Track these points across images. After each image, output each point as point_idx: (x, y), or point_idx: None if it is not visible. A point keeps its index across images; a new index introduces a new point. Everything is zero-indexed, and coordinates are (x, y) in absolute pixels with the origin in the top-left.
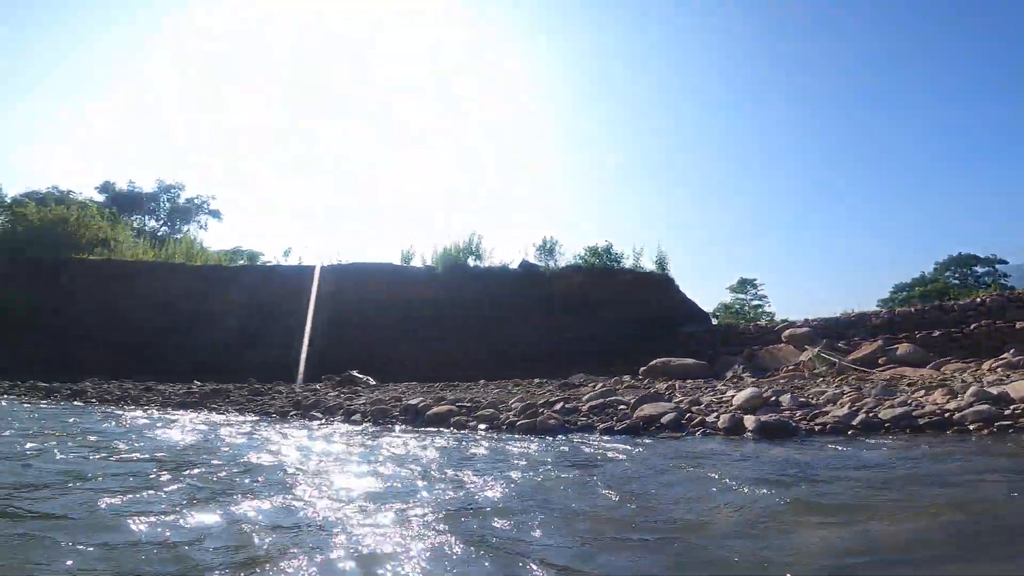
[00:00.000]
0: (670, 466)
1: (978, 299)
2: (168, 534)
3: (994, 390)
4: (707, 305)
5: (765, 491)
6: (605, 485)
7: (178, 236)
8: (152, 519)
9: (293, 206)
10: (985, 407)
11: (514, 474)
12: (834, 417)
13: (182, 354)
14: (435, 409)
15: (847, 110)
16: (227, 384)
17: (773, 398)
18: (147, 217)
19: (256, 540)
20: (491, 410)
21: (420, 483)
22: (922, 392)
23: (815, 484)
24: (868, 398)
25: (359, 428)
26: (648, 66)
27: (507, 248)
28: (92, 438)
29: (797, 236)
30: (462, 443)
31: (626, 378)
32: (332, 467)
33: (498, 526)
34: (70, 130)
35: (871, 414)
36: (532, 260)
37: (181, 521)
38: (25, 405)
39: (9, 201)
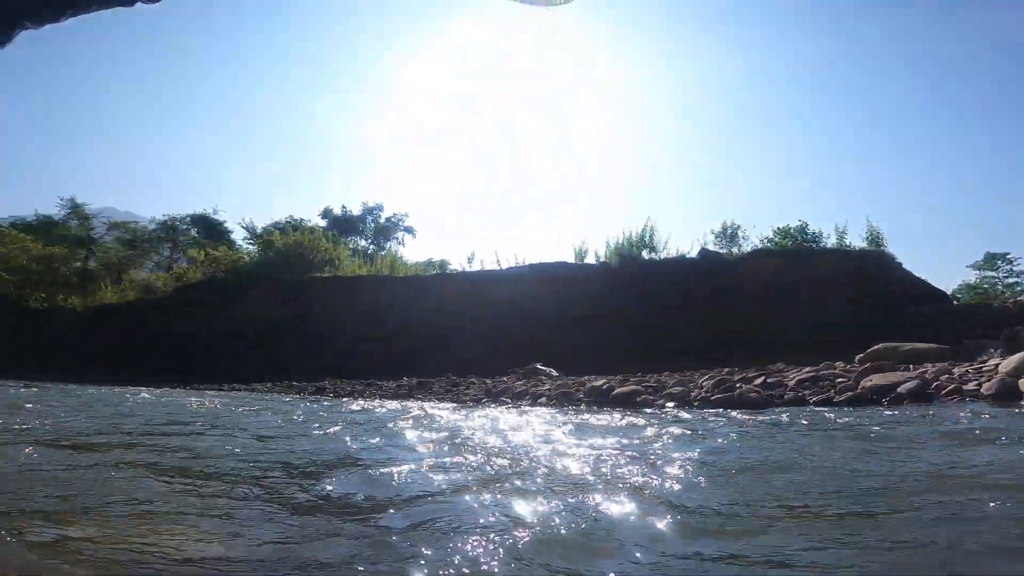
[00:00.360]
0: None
1: None
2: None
3: None
4: (942, 285)
5: None
6: (885, 452)
7: (383, 252)
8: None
9: (475, 215)
10: None
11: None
12: None
13: (389, 354)
14: (619, 389)
15: None
16: (429, 379)
17: None
18: (358, 237)
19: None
20: (680, 388)
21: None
22: None
23: None
24: None
25: (545, 410)
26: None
27: (683, 238)
28: (360, 421)
29: None
30: (656, 419)
31: (839, 364)
32: (523, 434)
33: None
34: (290, 166)
35: None
36: (712, 248)
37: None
38: (285, 399)
39: (260, 232)
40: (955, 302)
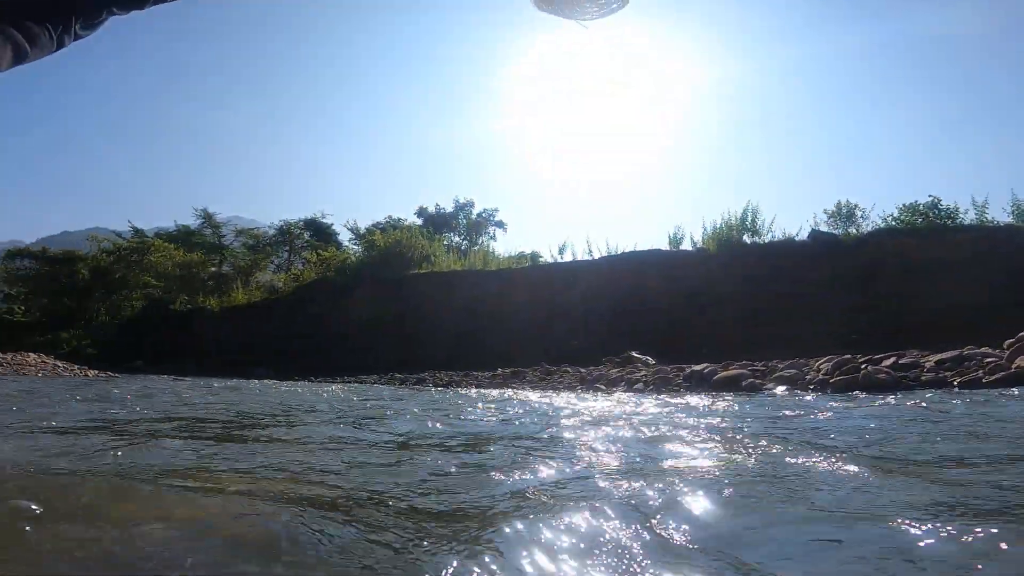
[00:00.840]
0: None
1: None
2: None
3: None
4: None
5: None
6: None
7: (475, 248)
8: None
9: (564, 207)
10: None
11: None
12: None
13: (483, 346)
14: (723, 373)
15: None
16: (522, 368)
17: None
18: (452, 233)
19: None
20: (792, 371)
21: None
22: None
23: None
24: None
25: (642, 395)
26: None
27: (786, 221)
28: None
29: None
30: (767, 405)
31: (985, 348)
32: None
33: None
34: (389, 169)
35: None
36: (824, 229)
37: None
38: (395, 390)
39: (363, 232)
40: None
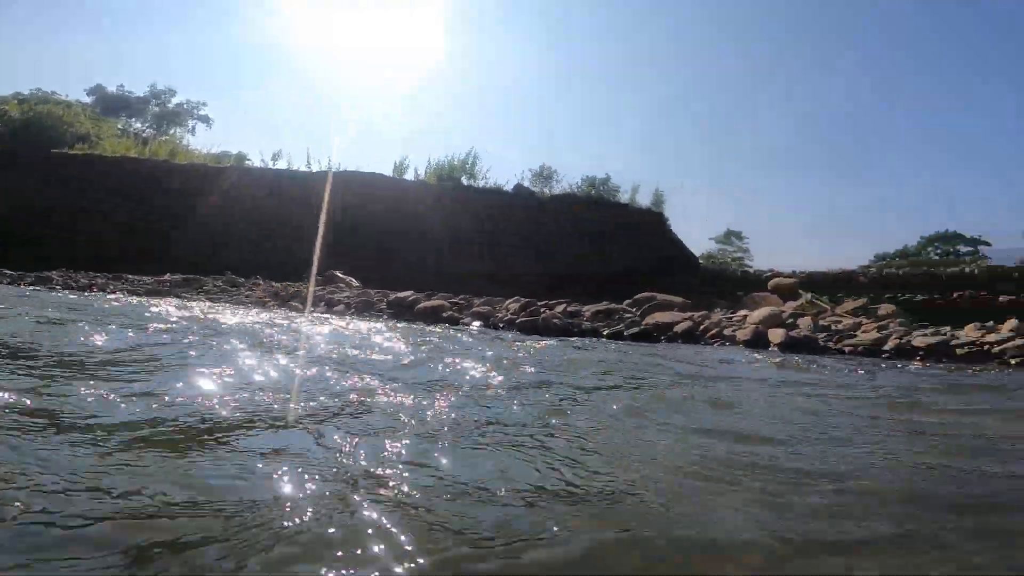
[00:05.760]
0: (720, 366)
1: (965, 269)
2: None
3: None
4: (696, 250)
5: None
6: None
7: (164, 138)
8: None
9: (285, 116)
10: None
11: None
12: (864, 340)
13: (167, 251)
14: (425, 303)
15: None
16: (200, 276)
17: (790, 320)
18: (133, 119)
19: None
20: (486, 308)
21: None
22: (949, 328)
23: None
24: (891, 329)
25: (340, 318)
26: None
27: (503, 171)
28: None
29: (787, 194)
30: (459, 334)
31: (627, 302)
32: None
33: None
34: (58, 34)
35: (903, 340)
36: (528, 185)
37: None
38: None
39: None
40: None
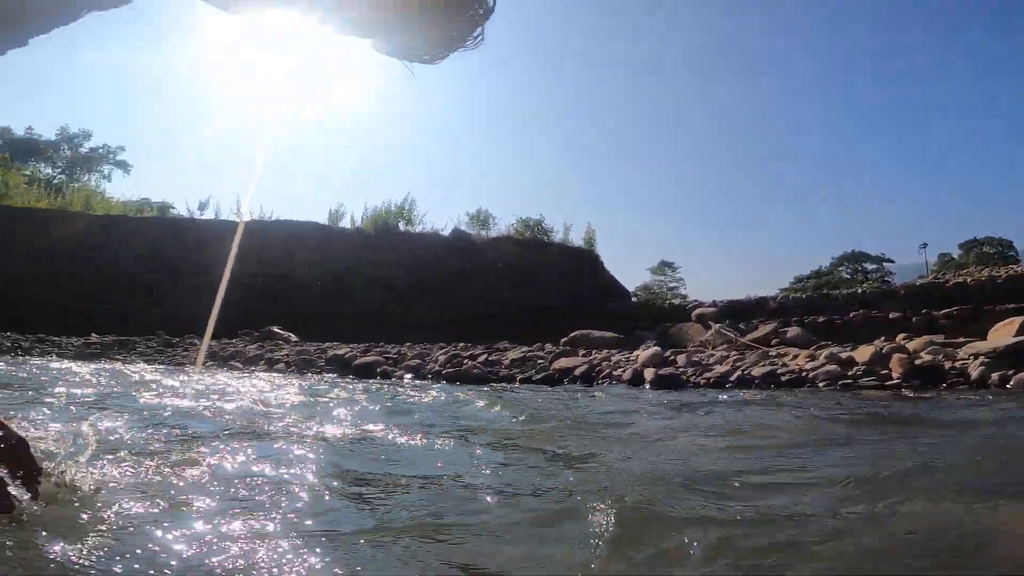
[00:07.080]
0: (579, 401)
1: (858, 290)
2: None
3: (844, 354)
4: (630, 284)
5: (656, 414)
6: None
7: (76, 185)
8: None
9: (211, 161)
10: (833, 367)
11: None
12: (716, 373)
13: (81, 311)
14: (362, 359)
15: (765, 102)
16: (132, 337)
17: (671, 357)
18: (43, 164)
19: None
20: (417, 361)
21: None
22: (790, 357)
23: (692, 411)
24: (746, 361)
25: (283, 376)
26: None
27: (440, 216)
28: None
29: (715, 225)
30: (390, 389)
31: (548, 346)
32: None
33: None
34: None
35: (745, 372)
36: (464, 229)
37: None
38: None
39: None
40: (635, 299)
